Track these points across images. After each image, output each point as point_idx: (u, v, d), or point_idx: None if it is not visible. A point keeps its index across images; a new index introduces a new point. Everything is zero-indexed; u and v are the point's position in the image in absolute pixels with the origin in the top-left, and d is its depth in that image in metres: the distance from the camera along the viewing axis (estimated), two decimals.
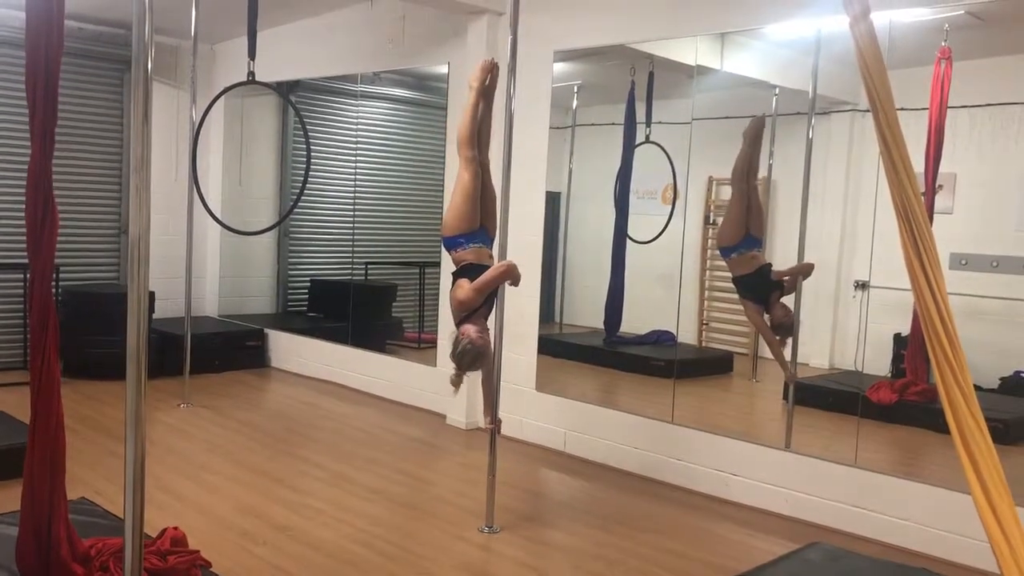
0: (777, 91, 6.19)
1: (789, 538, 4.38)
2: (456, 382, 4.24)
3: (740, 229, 5.66)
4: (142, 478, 2.26)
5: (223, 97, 6.23)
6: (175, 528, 3.31)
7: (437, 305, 6.78)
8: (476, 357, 4.17)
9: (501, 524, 4.38)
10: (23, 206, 2.79)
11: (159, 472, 4.90)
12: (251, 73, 5.86)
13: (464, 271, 4.26)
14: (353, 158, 8.42)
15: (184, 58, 7.96)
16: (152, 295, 7.46)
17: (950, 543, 4.18)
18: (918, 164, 4.72)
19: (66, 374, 6.90)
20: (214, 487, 4.80)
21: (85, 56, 7.71)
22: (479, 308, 4.25)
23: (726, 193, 6.76)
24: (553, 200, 6.93)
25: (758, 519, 4.74)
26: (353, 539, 4.13)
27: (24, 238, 2.80)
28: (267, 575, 3.69)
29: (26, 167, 2.79)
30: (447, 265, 6.56)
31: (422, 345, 7.87)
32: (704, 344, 6.93)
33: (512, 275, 4.22)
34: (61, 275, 7.31)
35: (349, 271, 8.43)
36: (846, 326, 5.91)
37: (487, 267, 4.26)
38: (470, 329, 4.17)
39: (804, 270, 5.45)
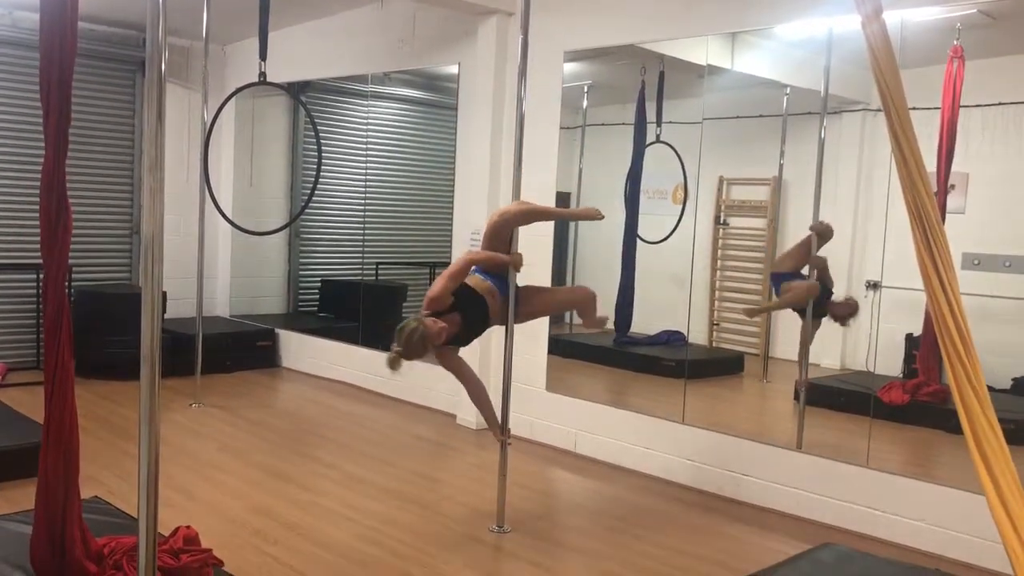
0: (788, 91, 6.18)
1: (801, 539, 4.37)
2: (392, 363, 4.03)
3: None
4: (156, 477, 2.27)
5: (234, 98, 6.26)
6: (187, 527, 3.32)
7: None
8: (417, 338, 3.97)
9: (512, 524, 4.38)
10: (37, 207, 2.81)
11: (171, 471, 4.92)
12: (262, 74, 5.90)
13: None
14: (363, 158, 8.44)
15: (196, 59, 8.00)
16: (164, 295, 7.48)
17: (963, 544, 4.16)
18: (930, 164, 4.71)
19: (78, 374, 6.88)
20: (226, 486, 4.82)
21: (97, 57, 7.75)
22: (451, 317, 4.16)
23: (736, 193, 6.76)
24: (564, 200, 6.93)
25: (769, 519, 4.73)
26: (364, 538, 4.14)
27: (38, 239, 2.82)
28: (279, 574, 3.70)
29: (40, 168, 2.81)
30: None
31: None
32: (714, 344, 6.92)
33: (478, 262, 4.23)
34: (73, 275, 7.35)
35: (360, 271, 8.45)
36: (858, 326, 5.89)
37: (478, 294, 4.29)
38: (427, 317, 4.07)
39: (816, 263, 5.45)
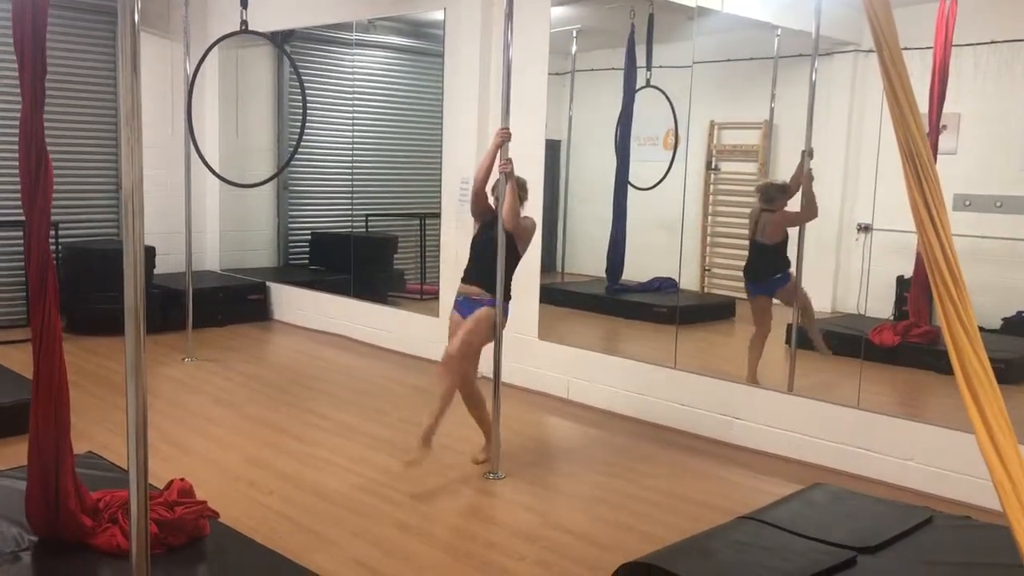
0: (779, 32, 6.10)
1: (792, 480, 4.41)
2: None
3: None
4: (144, 430, 2.27)
5: (217, 48, 6.14)
6: (182, 479, 3.33)
7: (438, 256, 6.75)
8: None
9: (506, 471, 4.41)
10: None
11: (165, 425, 4.94)
12: (244, 22, 5.77)
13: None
14: (350, 108, 8.33)
15: (176, 9, 7.83)
16: (152, 250, 7.43)
17: (953, 482, 4.21)
18: (922, 104, 4.67)
19: (71, 330, 6.92)
20: (220, 439, 4.83)
21: (77, 9, 7.56)
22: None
23: (728, 137, 6.71)
24: (553, 148, 6.86)
25: (761, 462, 4.77)
26: (359, 487, 4.17)
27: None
28: (274, 524, 3.72)
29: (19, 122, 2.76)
30: (448, 216, 6.53)
31: (424, 296, 7.87)
32: (706, 290, 6.93)
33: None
34: (61, 232, 7.28)
35: (349, 223, 8.40)
36: (848, 269, 5.90)
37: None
38: None
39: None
